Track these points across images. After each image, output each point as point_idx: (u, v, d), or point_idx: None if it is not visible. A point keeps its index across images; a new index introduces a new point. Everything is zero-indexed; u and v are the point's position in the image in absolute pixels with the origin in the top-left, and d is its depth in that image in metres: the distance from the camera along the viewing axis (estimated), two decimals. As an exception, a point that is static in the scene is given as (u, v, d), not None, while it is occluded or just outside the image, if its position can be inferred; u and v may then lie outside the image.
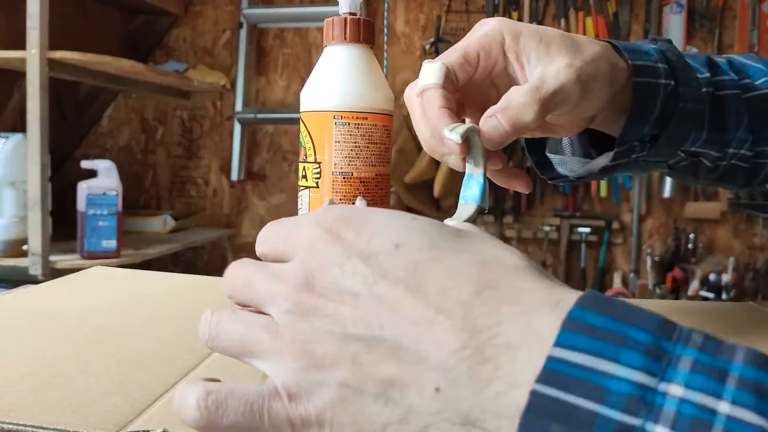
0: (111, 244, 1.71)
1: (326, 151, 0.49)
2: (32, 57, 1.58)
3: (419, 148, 2.07)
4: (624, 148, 0.49)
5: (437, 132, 0.42)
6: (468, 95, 0.47)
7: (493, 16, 2.33)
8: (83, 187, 1.69)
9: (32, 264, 1.61)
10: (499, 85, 0.47)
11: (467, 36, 0.46)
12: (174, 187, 2.59)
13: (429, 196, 2.28)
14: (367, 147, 0.50)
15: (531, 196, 2.43)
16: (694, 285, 2.35)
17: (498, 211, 2.43)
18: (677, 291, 2.37)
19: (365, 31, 0.51)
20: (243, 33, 2.44)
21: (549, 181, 0.58)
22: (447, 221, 0.37)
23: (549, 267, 2.45)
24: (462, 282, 0.25)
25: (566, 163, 0.56)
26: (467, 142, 0.42)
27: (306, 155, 0.51)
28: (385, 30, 1.81)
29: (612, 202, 2.42)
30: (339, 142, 0.49)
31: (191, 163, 2.58)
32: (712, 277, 2.34)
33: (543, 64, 0.43)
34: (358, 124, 0.49)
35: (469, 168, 0.42)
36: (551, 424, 0.21)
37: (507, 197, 2.42)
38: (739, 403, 0.20)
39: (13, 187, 1.66)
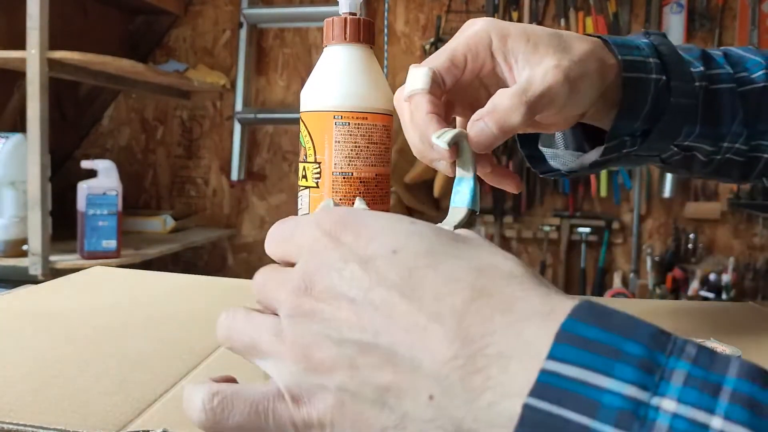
0: (111, 244, 1.71)
1: (326, 151, 0.49)
2: (32, 57, 1.58)
3: (419, 148, 2.07)
4: (615, 142, 0.49)
5: (426, 138, 0.42)
6: (457, 95, 0.47)
7: (493, 16, 2.33)
8: (83, 187, 1.69)
9: (32, 264, 1.61)
10: (488, 85, 0.47)
11: (454, 37, 0.45)
12: (174, 187, 2.59)
13: (429, 196, 2.28)
14: (367, 147, 0.50)
15: (531, 196, 2.43)
16: (694, 285, 2.35)
17: (498, 211, 2.43)
18: (677, 291, 2.37)
19: (365, 31, 0.51)
20: (243, 33, 2.44)
21: (540, 175, 0.58)
22: (439, 225, 0.37)
23: (549, 267, 2.45)
24: (456, 289, 0.25)
25: (559, 156, 0.55)
26: (456, 147, 0.42)
27: (306, 155, 0.51)
28: (385, 30, 1.81)
29: (612, 202, 2.42)
30: (339, 142, 0.49)
31: (191, 163, 2.58)
32: (712, 277, 2.34)
33: (531, 65, 0.43)
34: (358, 124, 0.49)
35: (459, 172, 0.42)
36: None
37: (507, 197, 2.42)
38: (731, 419, 0.20)
39: (13, 187, 1.66)
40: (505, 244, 2.47)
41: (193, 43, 2.54)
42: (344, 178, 0.49)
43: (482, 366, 0.23)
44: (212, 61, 2.51)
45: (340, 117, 0.49)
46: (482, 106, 0.43)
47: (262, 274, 0.31)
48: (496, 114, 0.41)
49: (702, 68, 0.52)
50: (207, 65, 2.48)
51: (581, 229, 2.40)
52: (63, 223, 1.87)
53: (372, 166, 0.50)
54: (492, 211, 2.44)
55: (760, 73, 0.54)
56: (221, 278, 0.79)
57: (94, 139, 2.60)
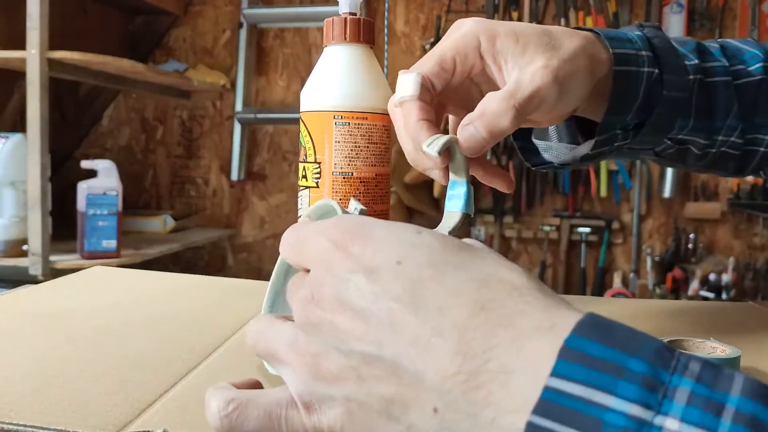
0: (111, 244, 1.71)
1: (326, 151, 0.49)
2: (32, 57, 1.58)
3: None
4: (606, 136, 0.48)
5: (418, 146, 0.42)
6: (448, 96, 0.46)
7: (493, 16, 2.33)
8: (83, 187, 1.69)
9: (32, 264, 1.62)
10: (480, 83, 0.47)
11: (443, 40, 0.45)
12: (174, 187, 2.59)
13: (429, 196, 2.28)
14: (367, 147, 0.50)
15: (531, 196, 2.43)
16: (694, 285, 2.35)
17: (498, 211, 2.43)
18: (677, 291, 2.37)
19: (365, 31, 0.51)
20: (243, 33, 2.44)
21: (533, 168, 0.57)
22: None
23: (549, 267, 2.45)
24: (459, 302, 0.25)
25: (552, 149, 0.55)
26: (447, 153, 0.42)
27: (306, 155, 0.51)
28: (385, 30, 1.81)
29: (612, 202, 2.42)
30: (339, 142, 0.49)
31: (191, 163, 2.58)
32: (712, 277, 2.34)
33: (519, 66, 0.42)
34: (358, 124, 0.49)
35: (452, 176, 0.42)
36: None
37: (507, 197, 2.42)
38: None
39: (13, 187, 1.66)
40: (505, 244, 2.47)
41: (193, 43, 2.54)
42: (344, 178, 0.49)
43: (484, 381, 0.23)
44: (212, 61, 2.51)
45: (340, 117, 0.49)
46: (474, 104, 0.42)
47: (292, 279, 0.32)
48: (485, 118, 0.41)
49: (696, 61, 0.51)
50: (207, 65, 2.48)
51: (581, 229, 2.40)
52: (63, 223, 1.87)
53: (372, 166, 0.50)
54: (492, 211, 2.44)
55: (758, 66, 0.53)
56: (221, 278, 0.79)
57: (94, 139, 2.60)
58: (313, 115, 0.50)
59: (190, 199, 2.59)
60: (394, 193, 2.14)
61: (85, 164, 1.72)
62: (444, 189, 0.43)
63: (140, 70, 1.95)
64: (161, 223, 2.28)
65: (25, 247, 1.63)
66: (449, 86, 0.45)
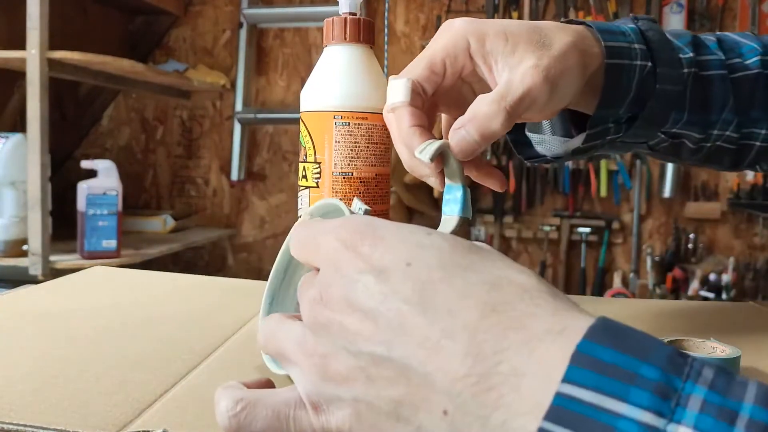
0: (111, 244, 1.71)
1: (326, 151, 0.49)
2: (32, 57, 1.58)
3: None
4: (597, 129, 0.48)
5: (412, 152, 0.41)
6: (440, 97, 0.46)
7: (493, 16, 2.33)
8: (83, 187, 1.69)
9: (32, 264, 1.62)
10: (471, 82, 0.46)
11: (432, 41, 0.44)
12: (174, 187, 2.59)
13: (429, 196, 2.28)
14: (367, 147, 0.50)
15: (531, 196, 2.43)
16: (694, 285, 2.35)
17: (498, 211, 2.43)
18: (677, 291, 2.37)
19: (365, 31, 0.51)
20: (243, 33, 2.44)
21: (525, 161, 0.56)
22: None
23: (549, 267, 2.45)
24: (469, 304, 0.25)
25: (545, 142, 0.54)
26: (440, 158, 0.42)
27: (306, 155, 0.51)
28: (385, 30, 1.81)
29: (612, 202, 2.42)
30: (339, 142, 0.49)
31: (191, 163, 2.58)
32: (712, 277, 2.34)
33: (510, 66, 0.42)
34: (358, 124, 0.49)
35: (448, 181, 0.42)
36: None
37: (507, 197, 2.42)
38: None
39: (13, 187, 1.66)
40: (505, 244, 2.47)
41: (193, 43, 2.54)
42: (344, 178, 0.49)
43: (495, 383, 0.23)
44: (212, 61, 2.51)
45: (340, 117, 0.49)
46: (467, 104, 0.42)
47: (302, 279, 0.32)
48: (476, 121, 0.41)
49: (692, 54, 0.50)
50: (207, 65, 2.48)
51: (581, 229, 2.40)
52: (63, 223, 1.87)
53: (372, 166, 0.50)
54: (492, 211, 2.44)
55: (755, 59, 0.52)
56: (221, 278, 0.79)
57: (94, 139, 2.60)
58: (313, 115, 0.50)
59: (190, 199, 2.59)
60: (394, 193, 2.14)
61: (85, 164, 1.72)
62: None
63: (140, 70, 1.95)
64: (161, 223, 2.28)
65: (25, 247, 1.63)
66: (441, 88, 0.44)
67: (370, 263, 0.27)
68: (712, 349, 0.46)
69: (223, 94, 2.52)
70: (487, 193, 2.43)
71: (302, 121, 0.51)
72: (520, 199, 2.42)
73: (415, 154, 0.41)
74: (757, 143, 0.54)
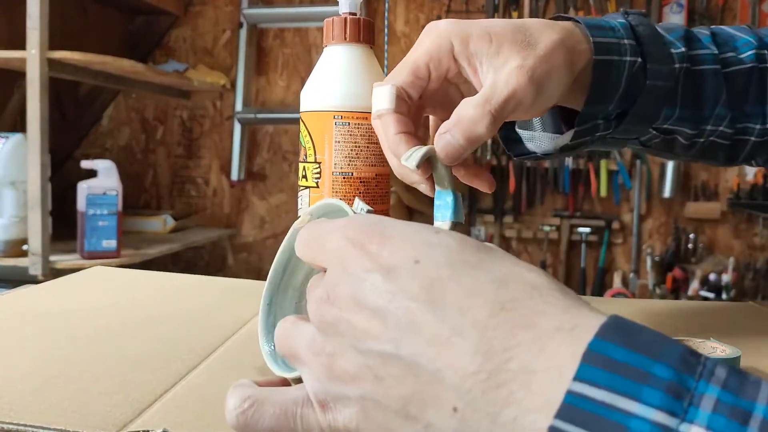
0: (111, 244, 1.71)
1: (326, 151, 0.49)
2: (32, 57, 1.58)
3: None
4: (586, 126, 0.48)
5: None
6: (426, 100, 0.45)
7: (492, 16, 2.33)
8: (83, 187, 1.69)
9: (32, 264, 1.61)
10: (458, 83, 0.46)
11: (416, 45, 0.44)
12: (174, 187, 2.59)
13: (428, 196, 2.28)
14: (367, 147, 0.50)
15: (531, 196, 2.43)
16: (694, 285, 2.35)
17: (498, 211, 2.43)
18: (677, 291, 2.37)
19: (365, 31, 0.51)
20: (243, 33, 2.44)
21: (514, 158, 0.56)
22: None
23: (549, 267, 2.45)
24: (478, 302, 0.25)
25: (536, 138, 0.53)
26: (427, 164, 0.41)
27: (306, 155, 0.51)
28: (385, 30, 1.81)
29: (612, 202, 2.42)
30: (339, 142, 0.49)
31: (191, 163, 2.58)
32: (712, 277, 2.34)
33: (494, 67, 0.41)
34: (358, 124, 0.49)
35: (437, 187, 0.42)
36: None
37: (507, 197, 2.43)
38: None
39: (13, 187, 1.66)
40: (505, 244, 2.47)
41: (193, 44, 2.54)
42: (344, 178, 0.49)
43: (505, 380, 0.23)
44: (212, 61, 2.51)
45: (340, 117, 0.49)
46: (454, 105, 0.42)
47: (311, 280, 0.32)
48: (461, 125, 0.40)
49: (683, 49, 0.49)
50: (207, 65, 2.48)
51: (581, 229, 2.40)
52: (63, 223, 1.87)
53: (372, 166, 0.50)
54: (492, 211, 2.44)
55: (750, 53, 0.51)
56: (221, 278, 0.79)
57: (94, 139, 2.60)
58: (313, 115, 0.50)
59: (190, 199, 2.59)
60: (394, 193, 2.14)
61: (85, 164, 1.72)
62: None
63: (140, 70, 1.95)
64: (161, 223, 2.28)
65: (25, 247, 1.63)
66: (426, 91, 0.44)
67: (378, 262, 0.27)
68: (712, 349, 0.46)
69: (223, 94, 2.52)
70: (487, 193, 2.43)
71: (302, 121, 0.51)
72: (520, 199, 2.42)
73: (402, 161, 0.40)
74: (752, 138, 0.53)
